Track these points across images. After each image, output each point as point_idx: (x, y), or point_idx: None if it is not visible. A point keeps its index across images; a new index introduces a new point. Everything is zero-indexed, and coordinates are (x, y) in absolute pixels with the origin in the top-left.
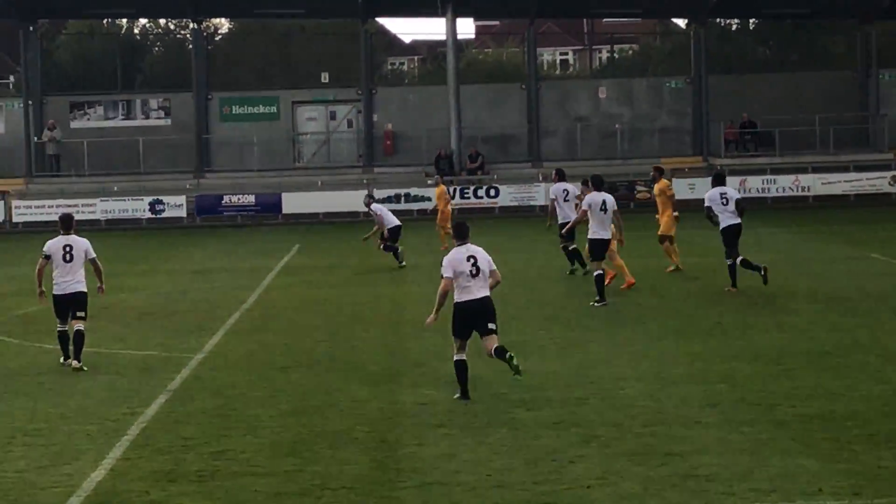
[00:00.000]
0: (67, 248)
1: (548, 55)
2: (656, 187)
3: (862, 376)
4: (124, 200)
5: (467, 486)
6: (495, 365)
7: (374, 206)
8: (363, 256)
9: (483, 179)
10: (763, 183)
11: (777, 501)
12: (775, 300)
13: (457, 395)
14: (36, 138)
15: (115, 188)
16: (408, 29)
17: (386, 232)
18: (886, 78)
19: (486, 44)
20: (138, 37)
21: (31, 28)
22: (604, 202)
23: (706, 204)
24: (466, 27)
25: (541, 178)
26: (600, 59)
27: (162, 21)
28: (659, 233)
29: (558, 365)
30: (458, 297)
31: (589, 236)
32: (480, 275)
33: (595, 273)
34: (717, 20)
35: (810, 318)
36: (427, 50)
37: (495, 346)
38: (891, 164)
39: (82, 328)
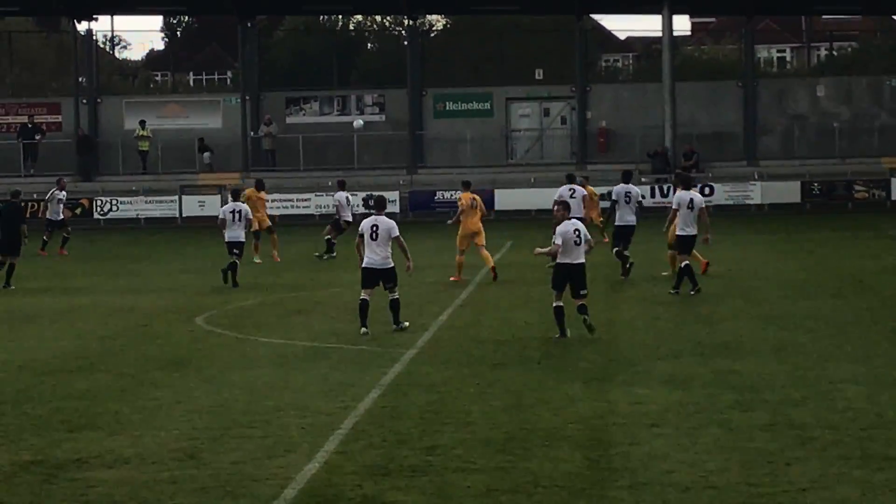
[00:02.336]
0: (374, 228)
1: (765, 52)
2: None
3: None
4: None
5: (680, 487)
6: (712, 365)
7: (340, 194)
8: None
9: (698, 177)
10: None
11: None
12: None
13: (556, 336)
14: (252, 133)
15: (330, 183)
16: (623, 25)
17: (343, 223)
18: None
19: (703, 41)
20: (354, 33)
21: (249, 24)
22: (691, 200)
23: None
24: (682, 24)
25: (756, 177)
26: (818, 56)
27: (378, 17)
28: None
29: (773, 366)
30: (561, 258)
31: (677, 233)
32: (582, 244)
33: (682, 264)
34: None
35: None
36: (642, 47)
37: (580, 303)
38: None
39: (396, 296)
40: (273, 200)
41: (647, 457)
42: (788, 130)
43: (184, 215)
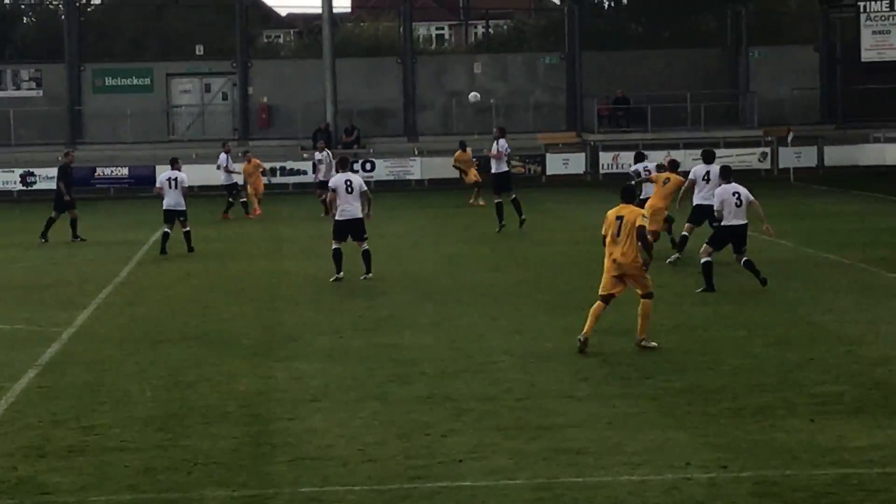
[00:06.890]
0: (348, 182)
1: (423, 30)
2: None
3: (729, 350)
4: None
5: (339, 461)
6: (371, 339)
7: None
8: (240, 230)
9: (359, 153)
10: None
11: (647, 474)
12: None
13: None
14: None
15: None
16: (284, 2)
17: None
18: (756, 55)
19: (363, 18)
20: (8, 6)
21: None
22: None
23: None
24: (343, 1)
25: (416, 153)
26: (476, 34)
27: None
28: None
29: (431, 339)
30: (725, 220)
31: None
32: (743, 206)
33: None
34: None
35: (679, 292)
36: (303, 23)
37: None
38: (760, 140)
39: (367, 247)
40: None
41: (307, 432)
42: (447, 107)
43: None
